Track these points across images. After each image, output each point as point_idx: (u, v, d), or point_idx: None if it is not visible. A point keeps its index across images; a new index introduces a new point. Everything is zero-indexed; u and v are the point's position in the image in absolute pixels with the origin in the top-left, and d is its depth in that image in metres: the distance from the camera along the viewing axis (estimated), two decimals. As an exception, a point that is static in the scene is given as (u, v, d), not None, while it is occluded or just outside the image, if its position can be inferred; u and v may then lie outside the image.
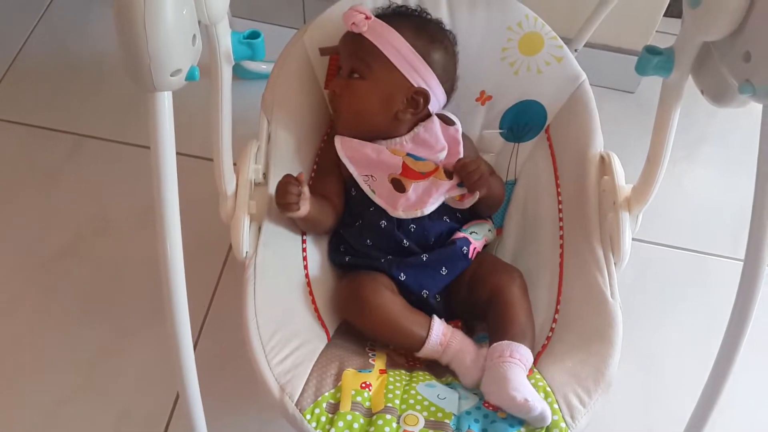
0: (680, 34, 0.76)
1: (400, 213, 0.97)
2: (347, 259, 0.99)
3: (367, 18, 0.98)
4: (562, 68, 1.07)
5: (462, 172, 0.97)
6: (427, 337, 0.88)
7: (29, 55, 1.46)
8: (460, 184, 0.98)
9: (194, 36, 0.63)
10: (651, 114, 1.47)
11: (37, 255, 1.21)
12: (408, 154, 1.00)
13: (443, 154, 1.01)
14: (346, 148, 1.01)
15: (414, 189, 0.97)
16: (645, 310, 1.23)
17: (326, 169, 1.04)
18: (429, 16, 1.05)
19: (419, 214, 0.97)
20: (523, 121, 1.11)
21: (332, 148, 1.03)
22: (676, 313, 1.24)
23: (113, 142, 1.34)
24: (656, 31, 1.38)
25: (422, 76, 1.00)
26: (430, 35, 1.01)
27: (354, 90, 1.00)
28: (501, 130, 1.12)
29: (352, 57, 1.00)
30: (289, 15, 1.47)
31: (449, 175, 0.99)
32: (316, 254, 0.99)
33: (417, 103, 1.01)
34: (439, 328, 0.89)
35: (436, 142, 1.02)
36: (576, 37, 1.28)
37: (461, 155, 1.02)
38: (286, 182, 0.90)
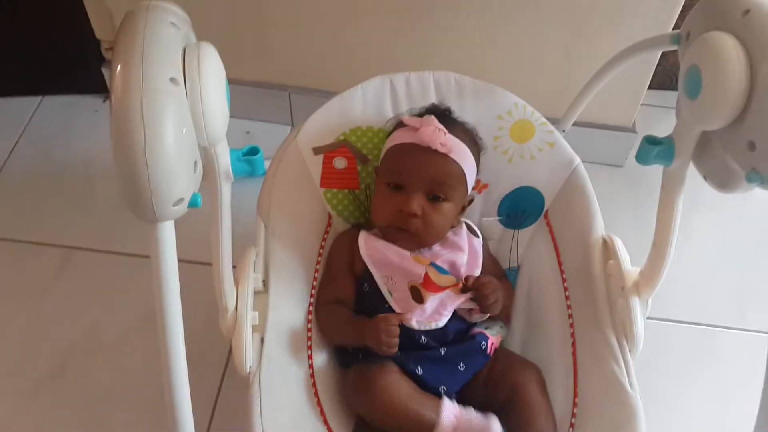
0: (678, 124, 0.76)
1: (413, 324, 0.93)
2: (360, 356, 0.94)
3: (445, 134, 0.94)
4: (555, 153, 1.07)
5: (478, 292, 0.95)
6: (438, 420, 0.84)
7: (13, 169, 1.44)
8: (472, 298, 0.96)
9: (195, 162, 0.61)
10: (642, 186, 1.47)
11: (28, 377, 1.15)
12: (432, 264, 0.98)
13: (465, 259, 1.00)
14: (368, 247, 0.99)
15: (431, 302, 0.95)
16: (659, 390, 1.19)
17: (339, 271, 1.01)
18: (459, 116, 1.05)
19: (433, 326, 0.94)
20: (521, 208, 1.10)
21: (342, 247, 1.01)
22: (692, 390, 1.20)
23: (102, 252, 1.31)
24: (641, 105, 1.40)
25: (474, 182, 1.00)
26: (476, 141, 1.02)
27: (440, 212, 0.97)
28: (499, 218, 1.12)
29: (433, 180, 0.95)
30: (276, 111, 1.48)
31: (464, 290, 0.97)
32: (322, 361, 0.95)
33: (465, 209, 1.02)
34: (450, 410, 0.85)
35: (463, 245, 1.01)
36: (563, 119, 1.28)
37: (479, 267, 1.01)
38: (389, 320, 0.89)
